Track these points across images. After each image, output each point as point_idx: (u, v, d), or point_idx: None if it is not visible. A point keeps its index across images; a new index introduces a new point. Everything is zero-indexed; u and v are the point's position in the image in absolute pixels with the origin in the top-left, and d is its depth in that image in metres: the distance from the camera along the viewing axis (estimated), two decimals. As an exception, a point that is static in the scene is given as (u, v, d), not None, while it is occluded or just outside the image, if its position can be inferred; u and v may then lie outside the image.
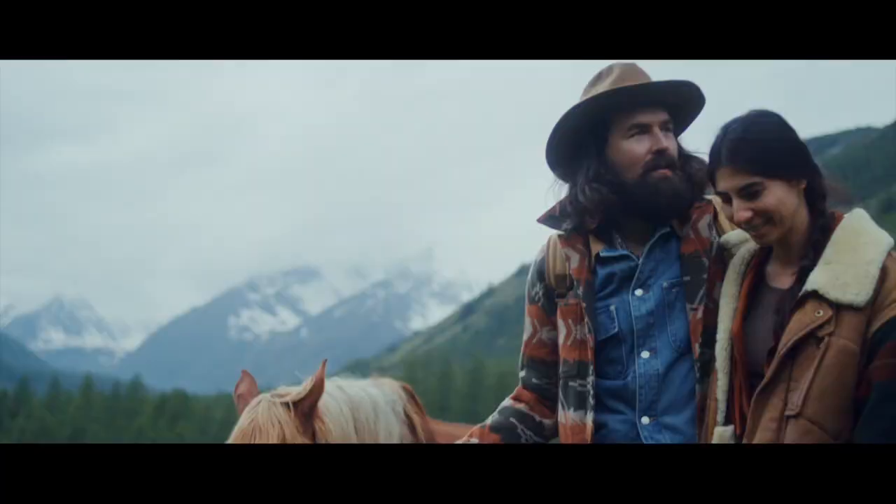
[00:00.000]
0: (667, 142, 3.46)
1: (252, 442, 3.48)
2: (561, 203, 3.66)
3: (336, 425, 3.75)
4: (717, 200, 3.43)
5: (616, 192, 3.50)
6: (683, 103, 3.53)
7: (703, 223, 3.50)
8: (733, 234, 3.45)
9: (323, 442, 3.60)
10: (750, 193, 3.11)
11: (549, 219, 3.71)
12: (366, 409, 3.97)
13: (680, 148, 3.53)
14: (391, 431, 4.04)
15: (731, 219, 3.20)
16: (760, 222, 3.13)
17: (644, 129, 3.47)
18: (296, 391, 3.65)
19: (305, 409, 3.60)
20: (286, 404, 3.60)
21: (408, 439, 4.07)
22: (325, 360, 3.66)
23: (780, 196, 3.10)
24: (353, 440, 3.82)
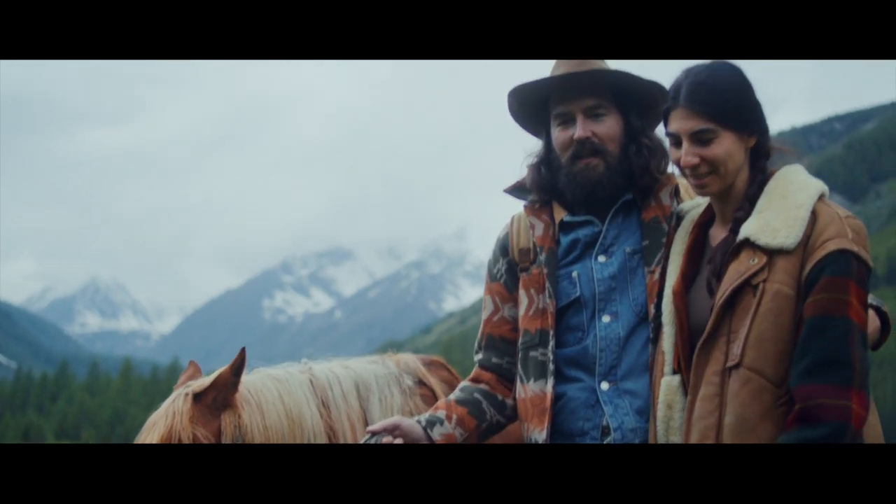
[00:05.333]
0: (590, 129, 3.49)
1: (148, 433, 3.42)
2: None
3: (262, 416, 3.60)
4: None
5: (554, 173, 3.59)
6: (629, 90, 3.53)
7: (665, 192, 3.53)
8: (688, 203, 3.47)
9: (233, 435, 3.48)
10: (701, 139, 3.10)
11: (516, 190, 3.77)
12: (343, 386, 3.89)
13: (631, 130, 3.54)
14: (391, 405, 3.94)
15: (676, 162, 3.18)
16: (706, 171, 3.12)
17: (567, 118, 3.53)
18: (203, 381, 3.57)
19: (209, 401, 3.50)
20: (190, 395, 3.51)
21: (420, 409, 3.93)
22: (244, 349, 3.53)
23: (729, 148, 3.09)
24: (305, 425, 3.70)
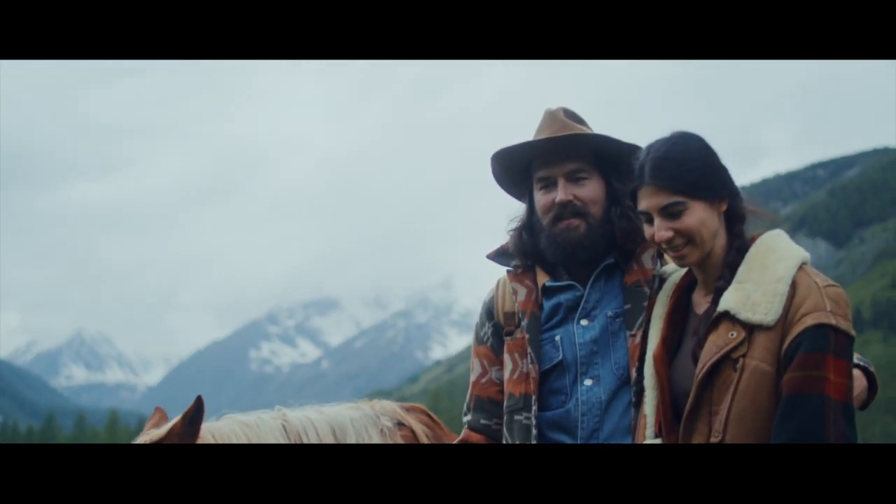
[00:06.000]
0: (572, 193, 3.52)
1: None
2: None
3: None
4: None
5: (536, 237, 3.61)
6: (610, 154, 3.55)
7: (647, 255, 3.54)
8: (670, 265, 3.43)
9: None
10: (671, 213, 3.09)
11: (499, 255, 3.80)
12: (319, 431, 3.80)
13: (613, 193, 3.56)
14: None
15: (651, 238, 3.16)
16: (681, 243, 3.11)
17: (549, 181, 3.56)
18: (157, 433, 3.50)
19: None
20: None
21: None
22: (199, 397, 3.46)
23: (701, 217, 3.09)
24: None
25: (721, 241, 3.16)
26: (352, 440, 3.84)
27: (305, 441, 3.76)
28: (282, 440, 3.71)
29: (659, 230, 3.11)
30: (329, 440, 3.80)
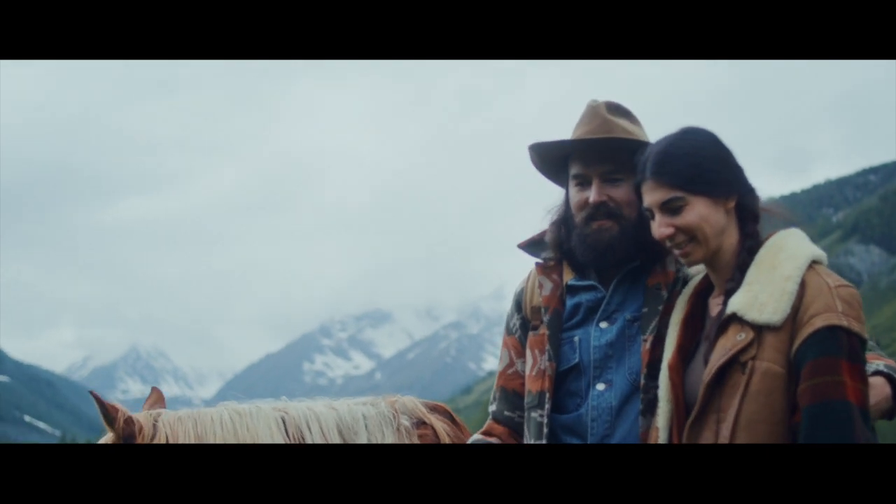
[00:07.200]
0: (606, 193, 3.44)
1: None
2: (544, 231, 3.71)
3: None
4: None
5: (569, 233, 3.56)
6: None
7: (671, 257, 3.40)
8: (694, 268, 3.33)
9: None
10: (671, 209, 3.03)
11: (531, 245, 3.76)
12: (323, 425, 3.70)
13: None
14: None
15: (655, 236, 3.11)
16: (683, 240, 3.04)
17: (583, 180, 3.50)
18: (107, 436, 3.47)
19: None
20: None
21: None
22: (92, 393, 3.43)
23: (702, 213, 3.01)
24: None
25: (732, 240, 3.06)
26: (362, 438, 3.72)
27: (307, 436, 3.64)
28: (277, 433, 3.59)
29: (659, 227, 3.06)
30: (333, 437, 3.68)
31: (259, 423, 3.58)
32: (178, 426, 3.52)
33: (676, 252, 3.09)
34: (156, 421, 3.52)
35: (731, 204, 3.05)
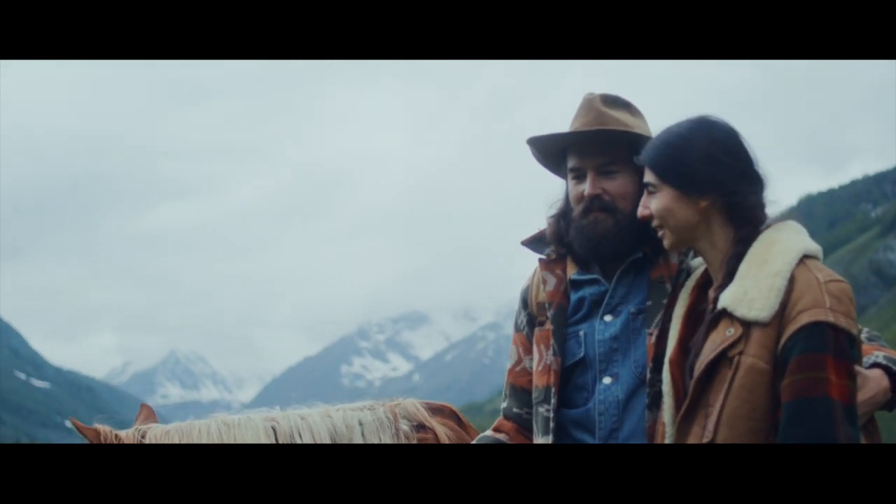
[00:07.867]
0: (601, 186, 3.45)
1: None
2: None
3: None
4: None
5: (568, 226, 3.55)
6: (639, 146, 3.32)
7: None
8: (697, 259, 3.30)
9: None
10: (650, 192, 3.08)
11: (534, 242, 3.74)
12: (315, 435, 3.69)
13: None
14: None
15: None
16: (657, 224, 3.09)
17: (579, 173, 3.50)
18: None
19: None
20: None
21: None
22: (72, 419, 3.47)
23: (666, 204, 3.03)
24: None
25: (721, 237, 3.04)
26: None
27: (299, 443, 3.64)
28: (264, 441, 3.59)
29: (640, 206, 3.12)
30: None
31: (247, 433, 3.57)
32: (165, 441, 3.52)
33: (658, 234, 3.12)
34: (143, 437, 3.54)
35: (704, 204, 3.01)
